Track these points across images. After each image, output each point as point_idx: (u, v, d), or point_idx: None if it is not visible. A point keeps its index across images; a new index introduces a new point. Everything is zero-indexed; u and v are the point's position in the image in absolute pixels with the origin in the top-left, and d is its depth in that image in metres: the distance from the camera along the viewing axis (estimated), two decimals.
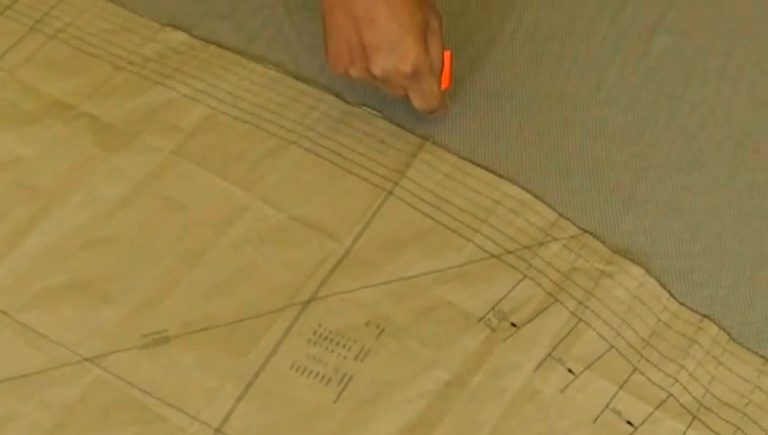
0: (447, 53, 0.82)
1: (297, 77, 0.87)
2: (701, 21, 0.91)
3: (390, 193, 0.81)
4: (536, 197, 0.82)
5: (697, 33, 0.91)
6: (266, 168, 0.82)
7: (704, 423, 0.73)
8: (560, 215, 0.81)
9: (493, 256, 0.79)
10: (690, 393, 0.74)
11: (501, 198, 0.82)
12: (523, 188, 0.82)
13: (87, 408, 0.72)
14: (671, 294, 0.77)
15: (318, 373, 0.74)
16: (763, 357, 0.75)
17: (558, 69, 0.89)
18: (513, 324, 0.76)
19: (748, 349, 0.76)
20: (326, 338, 0.75)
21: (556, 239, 0.80)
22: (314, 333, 0.76)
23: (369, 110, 0.85)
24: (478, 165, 0.83)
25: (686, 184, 0.83)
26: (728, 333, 0.76)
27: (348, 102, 0.86)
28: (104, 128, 0.84)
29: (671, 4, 0.92)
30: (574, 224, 0.81)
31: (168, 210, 0.80)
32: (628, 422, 0.73)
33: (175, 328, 0.75)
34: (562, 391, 0.74)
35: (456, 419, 0.73)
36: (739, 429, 0.73)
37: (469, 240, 0.80)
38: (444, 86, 0.82)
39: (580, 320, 0.76)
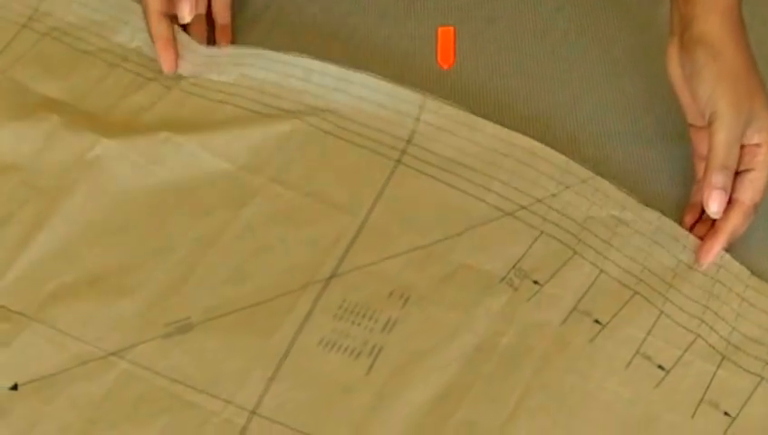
0: (450, 30, 0.81)
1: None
2: None
3: (399, 162, 0.81)
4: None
5: None
6: (272, 148, 0.81)
7: (733, 362, 0.74)
8: (569, 159, 0.80)
9: (507, 213, 0.79)
10: (717, 333, 0.75)
11: (508, 149, 0.81)
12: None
13: (116, 402, 0.71)
14: (690, 232, 0.78)
15: (347, 348, 0.74)
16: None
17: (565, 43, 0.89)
18: (536, 282, 0.76)
19: None
20: (352, 312, 0.75)
21: (568, 187, 0.79)
22: (339, 307, 0.75)
23: (361, 72, 0.84)
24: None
25: None
26: (750, 269, 0.77)
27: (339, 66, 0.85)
28: (102, 120, 0.82)
29: None
30: (584, 166, 0.80)
31: (177, 198, 0.79)
32: (660, 367, 0.73)
33: (197, 315, 0.74)
34: (591, 340, 0.74)
35: (488, 381, 0.73)
36: (767, 364, 0.74)
37: (482, 200, 0.79)
38: (447, 65, 0.82)
39: (602, 271, 0.77)
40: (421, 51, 0.88)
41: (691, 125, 0.79)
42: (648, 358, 0.74)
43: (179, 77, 0.84)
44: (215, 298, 0.75)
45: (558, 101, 0.86)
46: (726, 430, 0.71)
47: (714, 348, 0.74)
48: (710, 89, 0.74)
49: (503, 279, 0.76)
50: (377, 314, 0.75)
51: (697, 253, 0.76)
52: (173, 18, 0.84)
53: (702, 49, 0.75)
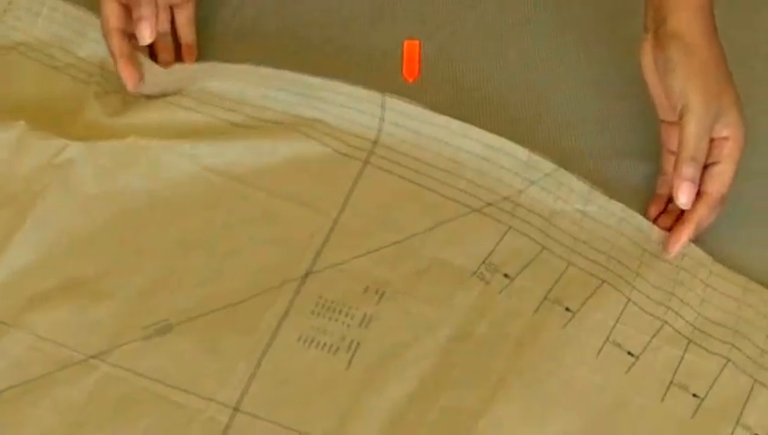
0: (415, 43, 0.83)
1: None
2: None
3: (367, 162, 0.83)
4: None
5: None
6: (239, 151, 0.82)
7: (699, 346, 0.76)
8: (530, 152, 0.82)
9: (475, 210, 0.81)
10: (683, 318, 0.77)
11: (473, 146, 0.83)
12: None
13: (99, 405, 0.72)
14: (654, 223, 0.80)
15: (326, 343, 0.75)
16: (746, 276, 0.79)
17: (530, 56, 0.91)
18: (506, 275, 0.78)
19: (731, 268, 0.79)
20: (328, 308, 0.76)
21: (533, 182, 0.82)
22: (316, 304, 0.76)
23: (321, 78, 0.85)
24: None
25: None
26: (711, 255, 0.80)
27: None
28: (69, 125, 0.83)
29: None
30: (546, 159, 0.82)
31: (148, 201, 0.80)
32: (629, 353, 0.76)
33: (175, 316, 0.75)
34: (563, 327, 0.76)
35: (465, 370, 0.74)
36: (733, 346, 0.76)
37: (450, 198, 0.81)
38: (411, 78, 0.83)
39: (570, 263, 0.79)
40: (386, 64, 0.89)
41: (662, 121, 0.81)
42: (618, 345, 0.76)
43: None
44: (192, 299, 0.76)
45: (523, 115, 0.87)
46: (696, 411, 0.74)
47: (680, 333, 0.76)
48: (682, 83, 0.77)
49: (474, 273, 0.78)
50: (353, 310, 0.76)
51: (665, 243, 0.79)
52: (133, 38, 0.84)
53: (675, 45, 0.77)
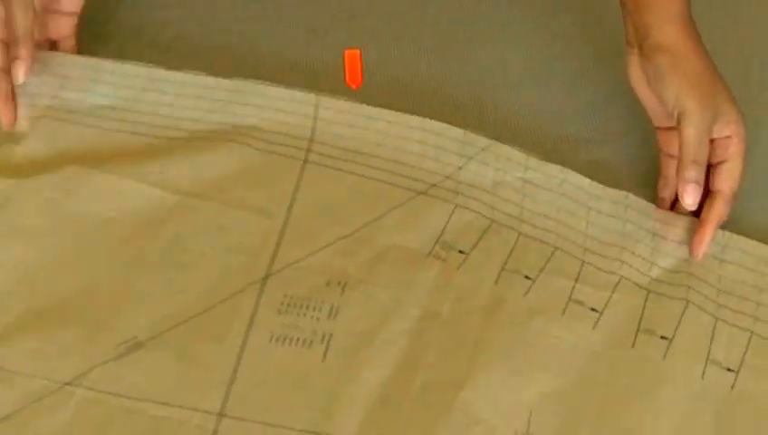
0: (356, 52, 0.84)
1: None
2: None
3: (306, 161, 0.83)
4: None
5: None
6: (180, 164, 0.82)
7: (658, 293, 0.78)
8: (465, 130, 0.84)
9: (420, 193, 0.82)
10: (638, 270, 0.79)
11: (408, 132, 0.84)
12: None
13: (81, 430, 0.70)
14: (591, 180, 0.82)
15: (298, 339, 0.75)
16: (689, 216, 0.82)
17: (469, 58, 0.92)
18: (461, 251, 0.80)
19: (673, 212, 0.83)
20: (295, 305, 0.76)
21: (471, 158, 0.83)
22: (281, 303, 0.76)
23: (252, 81, 0.86)
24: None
25: None
26: (653, 203, 0.82)
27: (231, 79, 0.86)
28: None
29: None
30: (480, 135, 0.84)
31: (99, 225, 0.79)
32: (593, 309, 0.78)
33: (143, 333, 0.74)
34: (525, 295, 0.78)
35: (439, 347, 0.75)
36: (690, 288, 0.78)
37: (394, 184, 0.82)
38: (355, 85, 0.85)
39: (520, 233, 0.81)
40: (329, 72, 0.90)
41: (657, 127, 0.84)
42: (581, 303, 0.78)
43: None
44: (157, 315, 0.75)
45: (466, 117, 0.88)
46: (666, 352, 0.76)
47: (638, 284, 0.79)
48: (676, 90, 0.79)
49: (429, 253, 0.79)
50: (319, 304, 0.77)
51: (691, 248, 0.80)
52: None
53: (663, 56, 0.79)
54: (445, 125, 0.84)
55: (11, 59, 0.82)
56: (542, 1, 0.96)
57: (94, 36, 0.91)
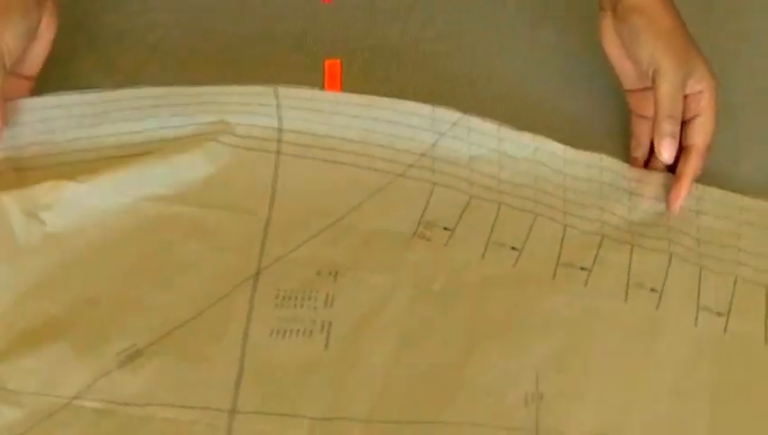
0: (336, 63, 0.85)
1: None
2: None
3: (279, 153, 0.83)
4: None
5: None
6: (157, 173, 0.81)
7: (641, 247, 0.80)
8: (433, 106, 0.84)
9: (398, 175, 0.83)
10: (618, 229, 0.81)
11: (377, 113, 0.84)
12: None
13: None
14: (565, 145, 0.84)
15: (299, 330, 0.75)
16: (665, 171, 0.84)
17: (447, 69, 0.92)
18: (446, 229, 0.80)
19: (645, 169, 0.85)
20: (290, 298, 0.76)
21: (442, 134, 0.84)
22: (276, 297, 0.76)
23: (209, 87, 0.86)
24: None
25: None
26: (626, 162, 0.84)
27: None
28: None
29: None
30: (450, 109, 0.84)
31: (83, 241, 0.78)
32: (582, 268, 0.79)
33: (141, 340, 0.74)
34: (514, 265, 0.79)
35: (435, 324, 0.76)
36: (671, 241, 0.80)
37: (370, 168, 0.82)
38: None
39: (501, 204, 0.82)
40: (308, 81, 0.88)
41: (628, 90, 0.86)
42: (569, 265, 0.79)
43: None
44: (152, 321, 0.75)
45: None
46: (659, 303, 0.77)
47: (621, 241, 0.80)
48: (651, 49, 0.81)
49: (414, 234, 0.80)
50: (314, 294, 0.77)
51: (668, 202, 0.82)
52: None
53: (637, 16, 0.81)
54: (414, 103, 0.84)
55: None
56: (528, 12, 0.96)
57: (80, 40, 0.91)
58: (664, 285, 0.78)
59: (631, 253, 0.80)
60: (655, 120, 0.81)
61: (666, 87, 0.80)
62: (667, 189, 0.82)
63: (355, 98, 0.85)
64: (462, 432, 0.72)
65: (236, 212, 0.80)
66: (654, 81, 0.81)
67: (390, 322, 0.76)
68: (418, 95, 0.86)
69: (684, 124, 0.82)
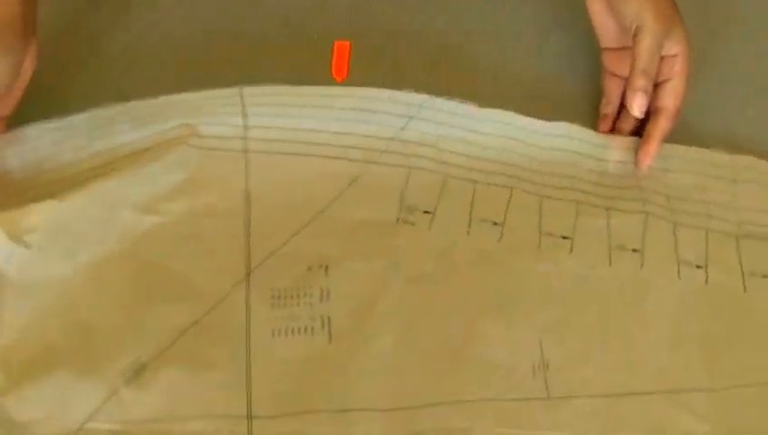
0: (346, 44, 0.84)
1: None
2: None
3: (246, 151, 0.83)
4: None
5: None
6: (130, 183, 0.79)
7: (617, 209, 0.82)
8: (399, 91, 0.85)
9: (371, 162, 0.83)
10: (593, 193, 0.83)
11: (343, 102, 0.84)
12: None
13: None
14: (531, 117, 0.85)
15: (300, 328, 0.75)
16: (629, 136, 0.86)
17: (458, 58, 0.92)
18: (427, 211, 0.81)
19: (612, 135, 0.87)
20: (285, 296, 0.76)
21: (411, 117, 0.84)
22: (272, 297, 0.76)
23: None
24: None
25: None
26: (593, 129, 0.86)
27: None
28: None
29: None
30: (415, 92, 0.85)
31: (63, 259, 0.76)
32: (563, 237, 0.81)
33: (144, 354, 0.73)
34: (499, 240, 0.80)
35: (434, 304, 0.77)
36: (645, 201, 0.83)
37: (343, 158, 0.83)
38: (340, 78, 0.85)
39: (476, 182, 0.83)
40: (316, 63, 0.89)
41: (604, 48, 0.87)
42: (551, 234, 0.81)
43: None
44: (152, 333, 0.74)
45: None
46: (642, 263, 0.80)
47: (596, 206, 0.82)
48: (636, 7, 0.82)
49: (397, 220, 0.81)
50: (309, 289, 0.77)
51: (637, 161, 0.84)
52: None
53: None
54: (378, 90, 0.85)
55: None
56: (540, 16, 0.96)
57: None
58: (643, 244, 0.81)
59: (609, 217, 0.82)
60: (630, 75, 0.83)
61: (646, 42, 0.82)
62: (638, 149, 0.85)
63: (320, 89, 0.85)
64: (479, 409, 0.73)
65: (215, 216, 0.79)
66: (635, 36, 0.83)
67: (389, 308, 0.77)
68: (424, 85, 0.86)
69: (655, 87, 0.84)
